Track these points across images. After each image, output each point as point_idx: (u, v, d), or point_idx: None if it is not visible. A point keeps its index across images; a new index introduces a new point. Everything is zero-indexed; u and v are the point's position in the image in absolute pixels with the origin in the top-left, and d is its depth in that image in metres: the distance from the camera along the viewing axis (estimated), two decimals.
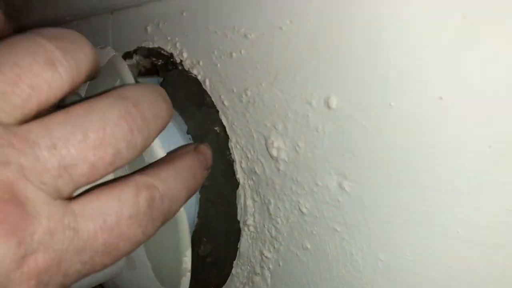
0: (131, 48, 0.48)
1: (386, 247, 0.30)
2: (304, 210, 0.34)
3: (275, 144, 0.35)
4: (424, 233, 0.28)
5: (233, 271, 0.39)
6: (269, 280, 0.37)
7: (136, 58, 0.48)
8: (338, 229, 0.32)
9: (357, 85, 0.30)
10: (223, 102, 0.39)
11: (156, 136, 0.27)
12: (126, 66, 0.35)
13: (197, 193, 0.40)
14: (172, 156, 0.31)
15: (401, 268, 0.29)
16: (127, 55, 0.49)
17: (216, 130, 0.39)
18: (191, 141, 0.41)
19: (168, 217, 0.26)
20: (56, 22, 0.59)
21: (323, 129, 0.32)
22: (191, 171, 0.29)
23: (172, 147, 0.40)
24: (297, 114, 0.33)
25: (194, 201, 0.40)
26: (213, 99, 0.39)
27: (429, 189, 0.27)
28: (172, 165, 0.28)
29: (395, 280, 0.29)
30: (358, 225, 0.31)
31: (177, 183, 0.27)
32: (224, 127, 0.39)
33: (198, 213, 0.40)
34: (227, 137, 0.39)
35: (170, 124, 0.41)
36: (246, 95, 0.36)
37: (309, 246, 0.34)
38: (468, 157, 0.25)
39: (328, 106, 0.31)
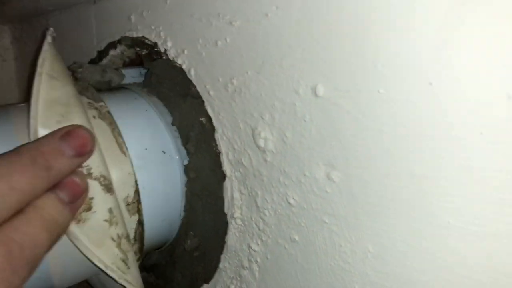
0: (115, 38, 0.47)
1: (376, 238, 0.29)
2: (292, 201, 0.33)
3: (262, 135, 0.34)
4: (415, 224, 0.27)
5: (221, 265, 0.38)
6: (257, 273, 0.36)
7: (120, 48, 0.47)
8: (326, 220, 0.31)
9: (344, 73, 0.29)
10: (208, 92, 0.38)
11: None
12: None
13: (183, 186, 0.40)
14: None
15: (390, 259, 0.28)
16: (111, 46, 0.48)
17: (201, 121, 0.38)
18: (176, 133, 0.40)
19: (35, 263, 0.26)
20: (38, 12, 0.57)
21: (311, 118, 0.31)
22: (48, 213, 0.28)
23: (157, 139, 0.39)
24: (284, 103, 0.32)
25: (180, 194, 0.40)
26: (198, 89, 0.38)
27: (418, 178, 0.26)
28: (26, 212, 0.27)
29: (385, 272, 0.29)
30: (347, 216, 0.30)
31: (33, 228, 0.26)
32: (210, 118, 0.38)
33: (185, 207, 0.40)
34: (213, 128, 0.38)
35: (155, 115, 0.40)
36: (232, 84, 0.35)
37: (297, 238, 0.33)
38: (459, 145, 0.25)
39: (315, 94, 0.31)
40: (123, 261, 0.34)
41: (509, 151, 0.23)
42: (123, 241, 0.34)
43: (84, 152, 0.30)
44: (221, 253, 0.38)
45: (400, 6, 0.25)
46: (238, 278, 0.37)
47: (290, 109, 0.32)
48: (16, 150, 0.27)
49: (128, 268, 0.34)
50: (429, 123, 0.25)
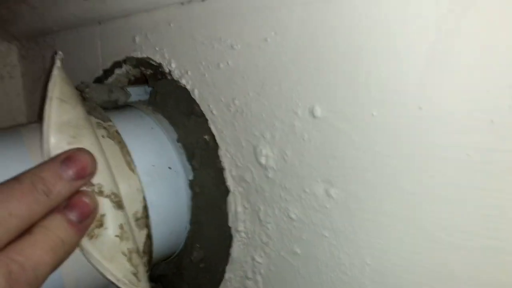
0: (120, 58, 0.49)
1: (372, 252, 0.31)
2: (293, 216, 0.35)
3: (264, 152, 0.36)
4: (409, 238, 0.29)
5: (226, 276, 0.40)
6: (261, 284, 0.38)
7: (125, 67, 0.48)
8: (326, 234, 0.33)
9: (340, 95, 0.30)
10: (212, 111, 0.39)
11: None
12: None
13: (189, 200, 0.41)
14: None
15: (387, 271, 0.30)
16: (116, 65, 0.49)
17: (205, 138, 0.40)
18: (182, 150, 0.42)
19: (36, 283, 0.27)
20: (43, 32, 0.59)
21: (309, 137, 0.33)
22: (54, 234, 0.29)
23: (163, 155, 0.40)
24: (283, 123, 0.34)
25: (186, 208, 0.41)
26: (202, 108, 0.40)
27: (411, 195, 0.28)
28: (32, 233, 0.28)
29: (382, 283, 0.31)
30: (345, 230, 0.32)
31: (37, 249, 0.28)
32: (213, 136, 0.40)
33: (190, 220, 0.41)
34: (216, 146, 0.40)
35: (161, 132, 0.42)
36: (234, 104, 0.37)
37: (299, 251, 0.35)
38: (448, 165, 0.26)
39: (313, 115, 0.32)
40: (134, 274, 0.36)
41: (492, 171, 0.25)
42: (134, 255, 0.36)
43: (85, 175, 0.32)
44: (226, 264, 0.40)
45: (391, 35, 0.27)
46: None
47: (289, 128, 0.34)
48: (17, 177, 0.29)
49: (139, 281, 0.35)
50: (420, 145, 0.27)
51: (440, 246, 0.28)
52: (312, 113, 0.32)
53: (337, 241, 0.32)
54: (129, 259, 0.36)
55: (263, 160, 0.36)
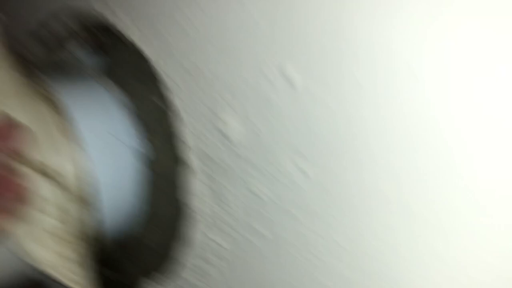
0: (63, 11, 0.43)
1: (349, 234, 0.28)
2: (261, 195, 0.31)
3: (229, 123, 0.32)
4: (388, 219, 0.26)
5: (184, 260, 0.36)
6: (224, 269, 0.34)
7: (80, 30, 0.43)
8: (298, 215, 0.30)
9: (319, 55, 0.27)
10: (171, 78, 0.35)
11: None
12: None
13: (142, 176, 0.37)
14: None
15: (364, 255, 0.27)
16: (59, 21, 0.44)
17: (163, 108, 0.36)
18: (134, 119, 0.37)
19: None
20: None
21: (283, 106, 0.29)
22: None
23: (112, 126, 0.36)
24: (253, 88, 0.30)
25: (138, 185, 0.37)
26: (160, 74, 0.35)
27: (396, 172, 0.25)
28: None
29: (358, 268, 0.28)
30: (320, 211, 0.29)
31: None
32: (171, 103, 0.35)
33: (144, 199, 0.37)
34: (176, 116, 0.35)
35: (109, 99, 0.37)
36: (197, 67, 0.33)
37: (267, 234, 0.32)
38: (443, 138, 0.23)
39: (288, 80, 0.29)
40: (77, 263, 0.32)
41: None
42: (77, 240, 0.32)
43: (15, 150, 0.28)
44: (184, 247, 0.36)
45: None
46: (203, 274, 0.35)
47: (259, 95, 0.30)
48: None
49: (83, 270, 0.31)
50: (413, 119, 0.24)
51: (423, 226, 0.25)
52: (284, 75, 0.29)
53: (310, 222, 0.29)
54: (70, 246, 0.31)
55: (228, 132, 0.32)
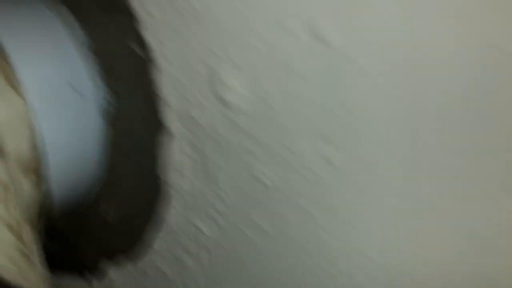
0: None
1: (378, 244, 0.23)
2: (265, 181, 0.25)
3: (228, 82, 0.25)
4: (434, 229, 0.21)
5: (155, 245, 0.30)
6: (205, 262, 0.29)
7: None
8: (313, 211, 0.24)
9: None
10: (147, 9, 0.27)
11: None
12: None
13: (105, 138, 0.30)
14: None
15: (398, 272, 0.22)
16: None
17: (134, 49, 0.28)
18: (95, 63, 0.29)
19: None
20: None
21: (309, 71, 0.22)
22: None
23: (66, 71, 0.29)
24: (267, 43, 0.23)
25: (98, 148, 0.30)
26: (132, 3, 0.27)
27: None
28: None
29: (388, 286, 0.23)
30: (342, 210, 0.24)
31: None
32: (147, 46, 0.28)
33: (105, 166, 0.30)
34: (151, 62, 0.28)
35: (64, 35, 0.30)
36: (190, 4, 0.24)
37: (267, 228, 0.26)
38: None
39: (315, 35, 0.22)
40: (19, 250, 0.25)
41: None
42: (21, 224, 0.24)
43: None
44: (155, 230, 0.30)
45: None
46: (180, 265, 0.30)
47: (278, 54, 0.23)
48: None
49: (30, 264, 0.24)
50: None
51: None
52: (314, 32, 0.22)
53: (328, 222, 0.24)
54: (11, 228, 0.24)
55: (226, 94, 0.25)
